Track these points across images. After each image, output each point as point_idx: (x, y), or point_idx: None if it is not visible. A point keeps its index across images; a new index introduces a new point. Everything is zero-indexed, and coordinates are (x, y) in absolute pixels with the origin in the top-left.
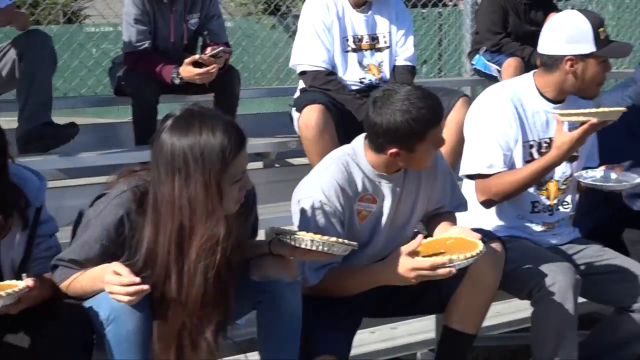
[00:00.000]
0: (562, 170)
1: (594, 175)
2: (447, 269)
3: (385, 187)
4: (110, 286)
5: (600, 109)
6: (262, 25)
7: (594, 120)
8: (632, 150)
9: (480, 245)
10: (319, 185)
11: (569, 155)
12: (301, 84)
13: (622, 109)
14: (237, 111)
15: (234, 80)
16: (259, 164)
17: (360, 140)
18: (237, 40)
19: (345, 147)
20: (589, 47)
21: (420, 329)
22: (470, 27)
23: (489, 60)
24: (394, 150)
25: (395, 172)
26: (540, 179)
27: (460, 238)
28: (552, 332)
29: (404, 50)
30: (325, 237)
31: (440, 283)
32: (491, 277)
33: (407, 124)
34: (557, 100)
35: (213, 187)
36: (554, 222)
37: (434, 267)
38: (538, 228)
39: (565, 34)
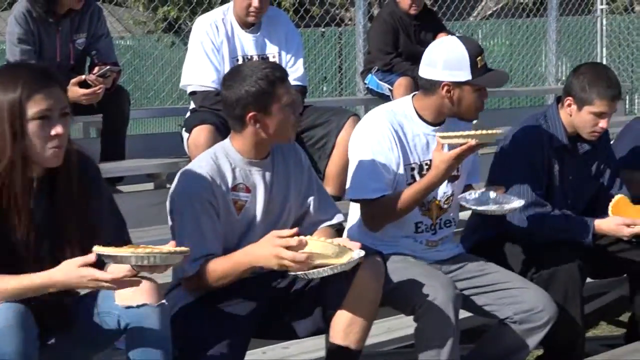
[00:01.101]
0: (444, 190)
1: (475, 198)
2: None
3: (256, 175)
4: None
5: (479, 132)
6: (162, 44)
7: (472, 142)
8: None
9: (353, 255)
10: (188, 179)
11: (448, 175)
12: (192, 104)
13: (500, 131)
14: (126, 132)
15: (122, 101)
16: (149, 185)
17: (228, 137)
18: (128, 60)
19: (215, 145)
20: (465, 75)
21: (312, 347)
22: (362, 47)
23: (381, 80)
24: (251, 114)
25: (263, 158)
26: (422, 200)
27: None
28: (434, 346)
29: (294, 71)
30: (149, 249)
31: (325, 302)
32: (373, 292)
33: (255, 83)
34: (435, 122)
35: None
36: (437, 240)
37: (295, 260)
38: (421, 246)
39: (443, 60)
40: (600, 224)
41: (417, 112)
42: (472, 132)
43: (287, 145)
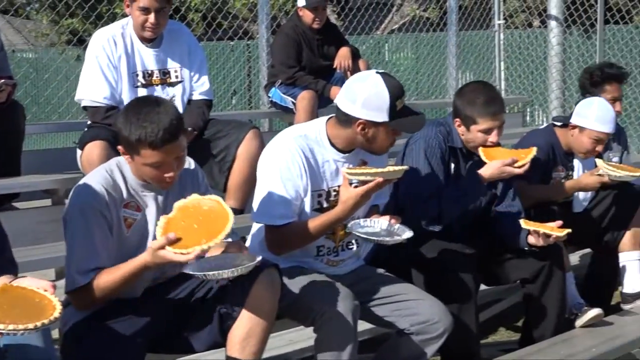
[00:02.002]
0: None
1: (367, 226)
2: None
3: (148, 197)
4: None
5: (386, 169)
6: (61, 57)
7: (379, 179)
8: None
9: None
10: (82, 191)
11: (355, 211)
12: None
13: (405, 167)
14: (22, 147)
15: (17, 115)
16: (47, 202)
17: None
18: (25, 73)
19: (111, 159)
20: (383, 117)
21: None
22: (266, 61)
23: (284, 93)
24: (126, 154)
25: None
26: (327, 232)
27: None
28: (333, 357)
29: (199, 85)
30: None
31: (222, 317)
32: (269, 304)
33: (134, 131)
34: (346, 150)
35: None
36: (339, 260)
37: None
38: (322, 265)
39: (363, 98)
40: (484, 171)
41: (329, 139)
42: (379, 170)
43: (186, 168)
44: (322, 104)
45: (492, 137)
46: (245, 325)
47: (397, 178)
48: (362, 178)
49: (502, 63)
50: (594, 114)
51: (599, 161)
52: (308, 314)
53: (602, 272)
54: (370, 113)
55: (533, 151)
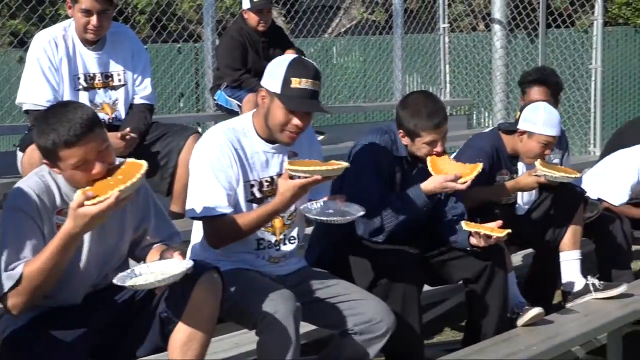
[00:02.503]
0: None
1: (318, 208)
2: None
3: None
4: None
5: (324, 167)
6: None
7: (318, 177)
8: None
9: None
10: (17, 194)
11: (293, 203)
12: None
13: (346, 164)
14: None
15: None
16: None
17: None
18: None
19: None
20: (275, 87)
21: None
22: (212, 64)
23: (230, 96)
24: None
25: None
26: (266, 224)
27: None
28: (276, 359)
29: (142, 89)
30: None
31: (163, 322)
32: (211, 308)
33: (48, 138)
34: (270, 140)
35: None
36: (281, 256)
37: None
38: (264, 262)
39: (269, 68)
40: (427, 185)
41: (256, 130)
42: (319, 168)
43: None
44: None
45: (437, 148)
46: (186, 329)
47: (338, 174)
48: (303, 175)
49: (447, 66)
50: (542, 119)
51: (537, 162)
52: (250, 317)
53: (543, 271)
54: (267, 80)
55: (479, 167)
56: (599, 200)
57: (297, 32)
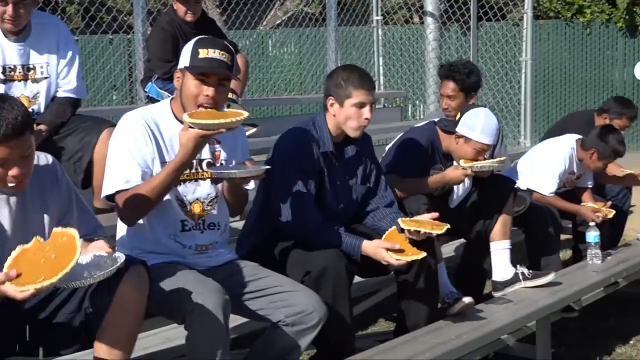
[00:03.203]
0: (207, 192)
1: (221, 166)
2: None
3: (1, 199)
4: None
5: (224, 120)
6: None
7: (222, 130)
8: None
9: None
10: None
11: (196, 153)
12: None
13: (246, 114)
14: None
15: None
16: None
17: None
18: None
19: None
20: (186, 62)
21: None
22: (142, 55)
23: (161, 88)
24: None
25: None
26: (174, 182)
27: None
28: (205, 352)
29: (67, 82)
30: None
31: (89, 317)
32: (137, 303)
33: None
34: None
35: None
36: (207, 244)
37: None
38: (190, 252)
39: (183, 50)
40: (367, 246)
41: (173, 113)
42: (218, 121)
43: (43, 165)
44: None
45: (366, 114)
46: (112, 325)
47: (237, 125)
48: (204, 126)
49: (380, 59)
50: (480, 126)
51: (460, 161)
52: (178, 311)
53: (474, 261)
54: (182, 59)
55: (421, 254)
56: (529, 190)
57: (228, 23)
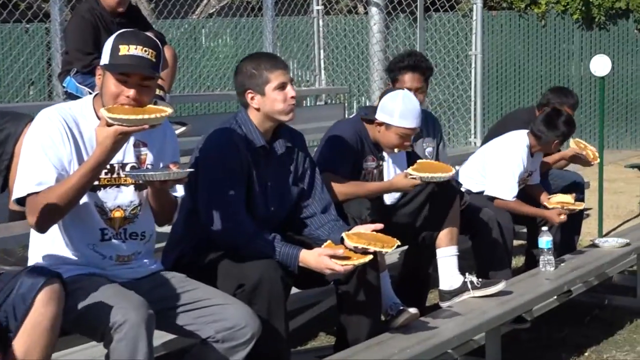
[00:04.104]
0: (130, 200)
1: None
2: None
3: None
4: None
5: (145, 116)
6: None
7: (145, 126)
8: None
9: None
10: None
11: (116, 152)
12: None
13: (170, 111)
14: None
15: None
16: None
17: None
18: None
19: None
20: (106, 59)
21: None
22: (60, 47)
23: (80, 83)
24: None
25: None
26: (89, 184)
27: None
28: None
29: None
30: None
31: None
32: (51, 319)
33: None
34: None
35: None
36: (129, 254)
37: None
38: (111, 262)
39: (105, 45)
40: (306, 257)
41: (95, 112)
42: (136, 117)
43: None
44: None
45: (291, 92)
46: (25, 341)
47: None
48: (118, 123)
49: (322, 51)
50: (398, 110)
51: (409, 170)
52: (96, 327)
53: (417, 269)
54: (103, 55)
55: (367, 257)
56: (488, 198)
57: (158, 12)
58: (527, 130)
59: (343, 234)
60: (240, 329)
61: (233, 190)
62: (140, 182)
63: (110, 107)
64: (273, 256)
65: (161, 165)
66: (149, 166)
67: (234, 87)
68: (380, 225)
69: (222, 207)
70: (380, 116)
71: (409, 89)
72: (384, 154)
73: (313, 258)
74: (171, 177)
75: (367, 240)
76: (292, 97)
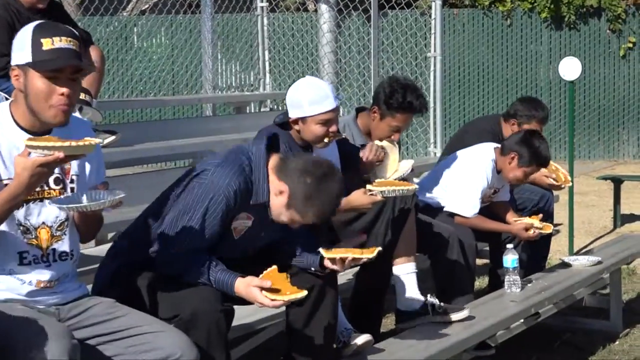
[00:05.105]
0: (56, 215)
1: (69, 196)
2: None
3: None
4: None
5: (67, 143)
6: None
7: (60, 154)
8: None
9: None
10: None
11: (35, 186)
12: None
13: (97, 141)
14: None
15: None
16: None
17: None
18: None
19: None
20: (27, 57)
21: None
22: None
23: None
24: None
25: None
26: (5, 216)
27: None
28: None
29: None
30: None
31: None
32: None
33: None
34: (38, 129)
35: None
36: (54, 280)
37: None
38: (31, 287)
39: (14, 43)
40: (239, 287)
41: (14, 119)
42: (60, 144)
43: None
44: None
45: None
46: None
47: (88, 152)
48: (40, 151)
49: (266, 52)
50: (306, 98)
51: (369, 186)
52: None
53: (371, 290)
54: (15, 55)
55: (301, 293)
56: (448, 214)
57: (84, 9)
58: (494, 145)
59: (320, 250)
60: (176, 359)
61: (208, 232)
62: (72, 212)
63: (32, 137)
64: (208, 284)
65: (87, 173)
66: (74, 177)
67: (169, 92)
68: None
69: (186, 237)
70: (292, 113)
71: (398, 128)
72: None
73: (243, 288)
74: (105, 205)
75: (343, 251)
76: None
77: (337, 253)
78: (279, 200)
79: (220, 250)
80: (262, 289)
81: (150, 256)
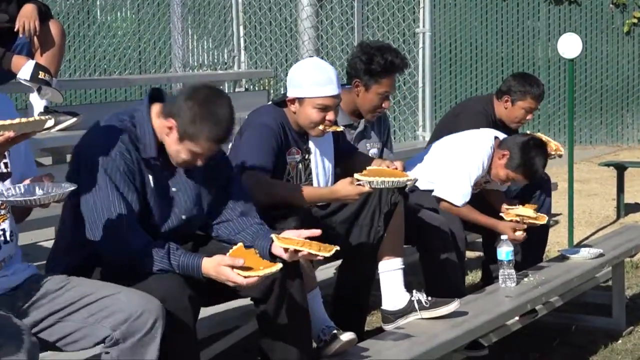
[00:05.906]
0: None
1: (17, 192)
2: None
3: None
4: None
5: (17, 120)
6: None
7: (11, 133)
8: None
9: None
10: None
11: None
12: None
13: (45, 119)
14: None
15: None
16: None
17: None
18: None
19: None
20: None
21: None
22: None
23: None
24: None
25: None
26: None
27: None
28: None
29: None
30: None
31: None
32: None
33: None
34: None
35: None
36: (1, 259)
37: None
38: None
39: None
40: (206, 265)
41: None
42: (10, 122)
43: None
44: (1, 79)
45: None
46: None
47: (39, 129)
48: None
49: (241, 28)
50: (309, 78)
51: (357, 175)
52: None
53: (355, 287)
54: None
55: (276, 266)
56: (436, 199)
57: None
58: (496, 133)
59: (272, 236)
60: (137, 317)
61: (122, 201)
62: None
63: None
64: (172, 269)
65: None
66: (6, 162)
67: (135, 70)
68: (317, 232)
69: (109, 220)
70: (290, 93)
71: (388, 95)
72: (310, 145)
73: (213, 267)
74: (54, 198)
75: (300, 242)
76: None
77: (292, 244)
78: (171, 138)
79: (158, 223)
80: (233, 267)
81: (91, 254)
